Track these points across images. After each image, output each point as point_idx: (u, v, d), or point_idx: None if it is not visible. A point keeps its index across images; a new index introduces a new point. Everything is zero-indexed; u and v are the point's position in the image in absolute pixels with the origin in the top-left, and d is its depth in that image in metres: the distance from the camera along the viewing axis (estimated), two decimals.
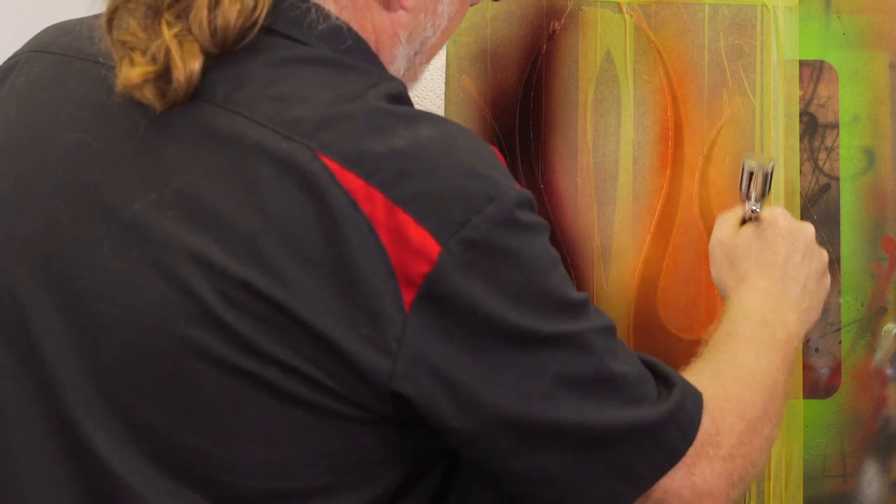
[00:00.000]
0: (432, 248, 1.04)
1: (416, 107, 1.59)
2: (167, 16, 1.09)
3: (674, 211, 1.59)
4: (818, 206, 1.58)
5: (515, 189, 1.08)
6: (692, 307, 1.59)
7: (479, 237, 1.05)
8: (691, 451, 1.14)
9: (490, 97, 1.61)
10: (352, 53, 1.13)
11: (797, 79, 1.58)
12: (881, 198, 1.58)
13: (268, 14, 1.10)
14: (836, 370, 1.57)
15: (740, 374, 1.25)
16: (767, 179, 1.44)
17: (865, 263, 1.58)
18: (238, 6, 1.09)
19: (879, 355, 1.58)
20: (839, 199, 1.58)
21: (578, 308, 1.11)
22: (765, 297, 1.38)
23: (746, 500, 1.57)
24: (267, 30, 1.11)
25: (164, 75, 1.08)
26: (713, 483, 1.16)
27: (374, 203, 1.04)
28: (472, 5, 1.27)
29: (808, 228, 1.44)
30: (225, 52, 1.09)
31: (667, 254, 1.59)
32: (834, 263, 1.58)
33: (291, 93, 1.09)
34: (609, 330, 1.13)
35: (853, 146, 1.58)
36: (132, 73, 1.08)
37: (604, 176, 1.61)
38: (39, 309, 1.11)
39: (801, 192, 1.58)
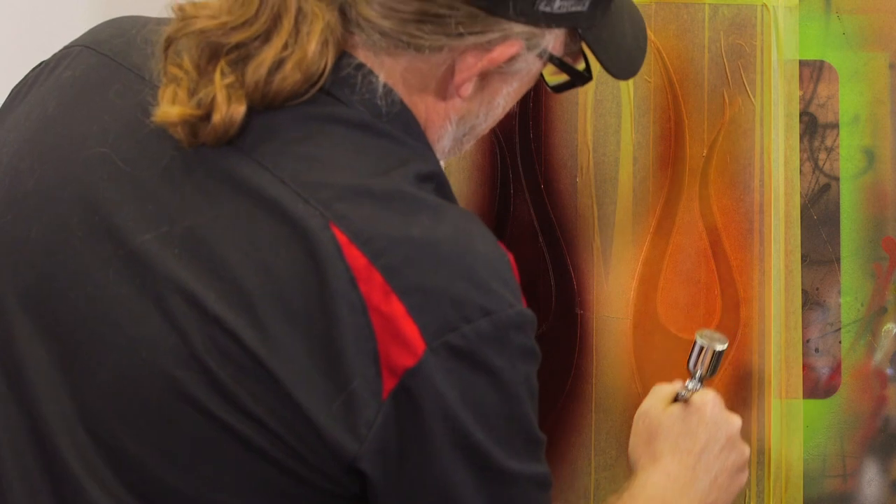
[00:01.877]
0: (418, 344, 1.04)
1: None
2: (223, 62, 1.07)
3: (674, 211, 1.59)
4: (818, 206, 1.58)
5: (518, 309, 1.07)
6: (692, 307, 1.59)
7: (465, 346, 1.05)
8: None
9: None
10: (392, 122, 1.11)
11: (797, 79, 1.58)
12: (881, 198, 1.58)
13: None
14: (836, 370, 1.57)
15: None
16: (716, 359, 1.44)
17: (865, 263, 1.58)
18: (300, 75, 1.07)
19: (879, 355, 1.58)
20: (839, 199, 1.58)
21: (537, 448, 1.11)
22: (671, 485, 1.39)
23: (746, 500, 1.57)
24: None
25: (203, 119, 1.07)
26: None
27: (372, 284, 1.04)
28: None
29: (735, 420, 1.43)
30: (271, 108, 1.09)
31: (667, 254, 1.59)
32: (834, 263, 1.58)
33: (318, 154, 1.08)
34: (546, 483, 1.13)
35: (853, 146, 1.58)
36: (172, 110, 1.07)
37: (604, 176, 1.61)
38: (26, 323, 1.11)
39: (801, 192, 1.58)
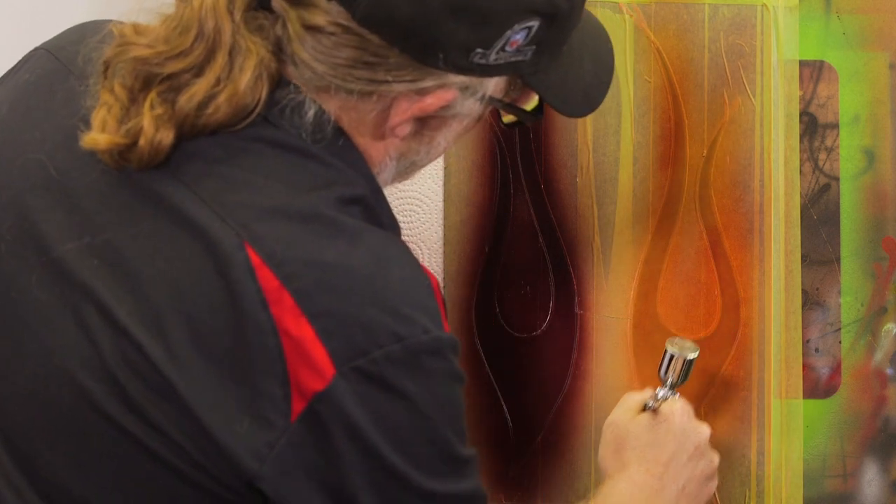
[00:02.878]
0: (327, 368, 1.04)
1: None
2: (154, 93, 1.08)
3: (674, 211, 1.59)
4: (818, 206, 1.58)
5: (434, 335, 1.07)
6: (692, 307, 1.59)
7: (375, 371, 1.05)
8: None
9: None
10: (323, 146, 1.11)
11: (797, 79, 1.58)
12: (881, 198, 1.58)
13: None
14: (836, 370, 1.57)
15: None
16: (686, 367, 1.45)
17: (865, 263, 1.58)
18: (231, 109, 1.08)
19: (879, 355, 1.58)
20: (839, 199, 1.58)
21: (460, 466, 1.11)
22: (637, 494, 1.39)
23: (746, 500, 1.57)
24: None
25: (130, 146, 1.08)
26: None
27: (283, 307, 1.04)
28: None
29: (703, 430, 1.44)
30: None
31: (667, 254, 1.59)
32: (834, 263, 1.58)
33: (240, 174, 1.09)
34: (477, 498, 1.13)
35: (853, 146, 1.58)
36: (100, 138, 1.08)
37: (604, 176, 1.61)
38: None
39: (801, 192, 1.58)
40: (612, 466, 1.42)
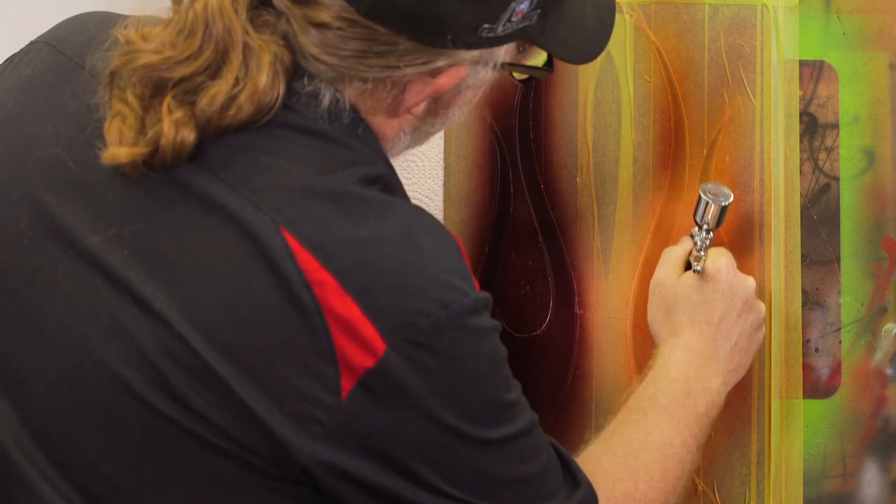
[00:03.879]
0: (378, 343, 1.05)
1: None
2: (170, 97, 1.08)
3: (674, 211, 1.59)
4: (818, 206, 1.58)
5: (472, 295, 1.09)
6: None
7: (425, 340, 1.06)
8: None
9: (490, 97, 1.61)
10: (341, 128, 1.12)
11: (797, 79, 1.58)
12: (881, 198, 1.58)
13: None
14: (836, 370, 1.57)
15: (651, 463, 1.32)
16: (720, 213, 1.47)
17: (865, 263, 1.58)
18: (253, 108, 1.09)
19: (879, 355, 1.58)
20: (839, 199, 1.58)
21: (510, 410, 1.14)
22: (693, 359, 1.41)
23: (746, 500, 1.57)
24: None
25: (153, 154, 1.08)
26: None
27: (326, 287, 1.05)
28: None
29: (749, 283, 1.46)
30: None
31: None
32: (834, 263, 1.58)
33: (266, 159, 1.09)
34: (529, 428, 1.16)
35: (853, 146, 1.58)
36: (120, 152, 1.09)
37: (604, 176, 1.61)
38: None
39: (801, 192, 1.58)
40: (664, 331, 1.45)
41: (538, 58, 1.22)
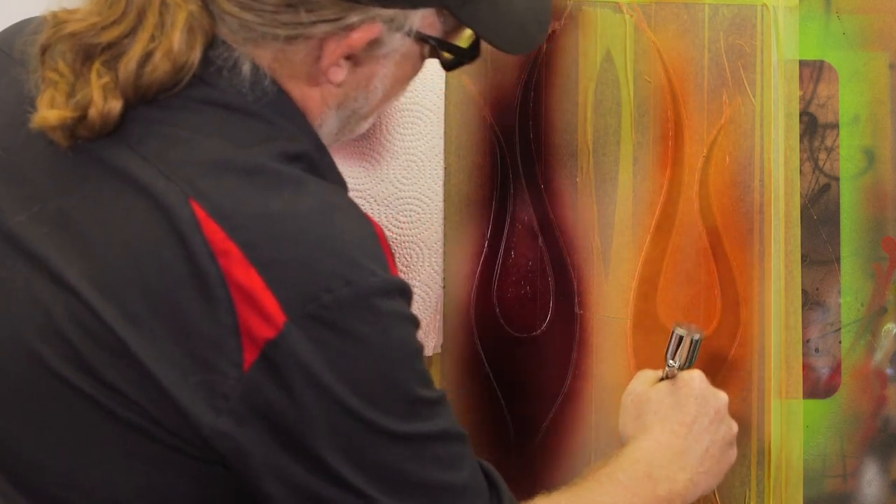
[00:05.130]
0: (279, 316, 1.05)
1: (415, 106, 1.59)
2: (98, 63, 1.10)
3: (674, 211, 1.59)
4: (818, 206, 1.58)
5: (381, 277, 1.08)
6: (692, 307, 1.59)
7: (326, 316, 1.05)
8: None
9: (490, 97, 1.61)
10: (263, 104, 1.13)
11: (797, 79, 1.58)
12: (881, 198, 1.58)
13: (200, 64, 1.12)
14: (836, 370, 1.57)
15: None
16: (694, 348, 1.45)
17: (865, 263, 1.58)
18: (169, 65, 1.10)
19: (879, 355, 1.58)
20: (839, 199, 1.58)
21: (424, 407, 1.11)
22: (661, 451, 1.38)
23: (746, 500, 1.57)
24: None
25: (80, 119, 1.09)
26: None
27: (231, 258, 1.05)
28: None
29: (722, 396, 1.43)
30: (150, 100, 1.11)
31: (667, 254, 1.59)
32: (834, 263, 1.58)
33: (183, 133, 1.10)
34: (450, 436, 1.14)
35: (853, 146, 1.58)
36: (50, 114, 1.10)
37: (604, 176, 1.61)
38: None
39: (801, 192, 1.58)
40: (634, 431, 1.42)
41: (462, 41, 1.22)
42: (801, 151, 1.58)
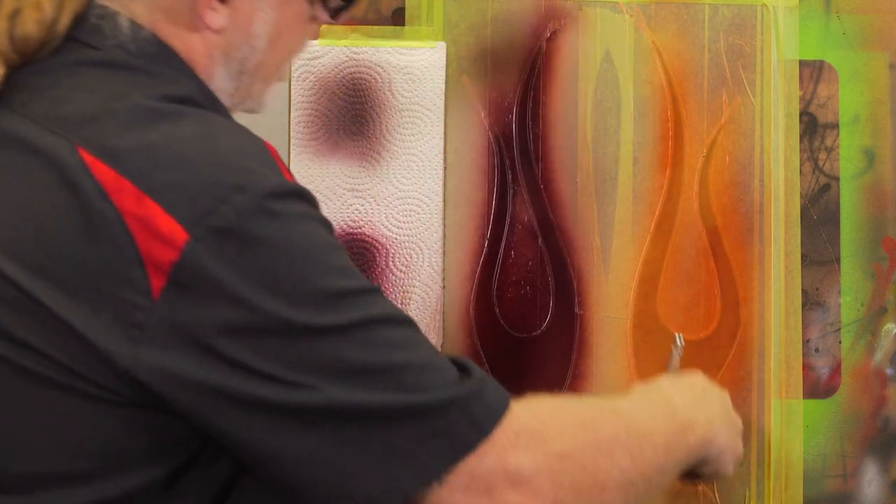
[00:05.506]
0: (179, 236, 1.06)
1: (415, 106, 1.58)
2: None
3: (674, 211, 1.59)
4: (818, 206, 1.58)
5: (275, 179, 1.08)
6: (692, 307, 1.59)
7: (226, 226, 1.06)
8: (503, 439, 1.11)
9: (490, 97, 1.61)
10: (146, 59, 1.15)
11: (797, 79, 1.58)
12: (881, 198, 1.58)
13: (72, 24, 1.13)
14: (836, 370, 1.57)
15: (601, 406, 1.23)
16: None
17: (865, 263, 1.58)
18: (36, 16, 1.12)
19: (879, 355, 1.58)
20: (839, 199, 1.58)
21: (350, 297, 1.09)
22: (678, 392, 1.33)
23: (746, 499, 1.57)
24: (70, 37, 1.14)
25: None
26: (532, 473, 1.12)
27: (123, 193, 1.07)
28: (305, 37, 1.26)
29: (725, 394, 1.40)
30: (28, 62, 1.13)
31: (667, 254, 1.59)
32: (834, 263, 1.58)
33: (66, 92, 1.12)
34: (392, 320, 1.11)
35: (853, 146, 1.58)
36: None
37: (604, 176, 1.61)
38: None
39: (801, 192, 1.58)
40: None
41: None
42: (801, 151, 1.58)
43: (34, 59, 1.13)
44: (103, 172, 1.07)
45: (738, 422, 1.40)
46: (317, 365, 1.08)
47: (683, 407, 1.30)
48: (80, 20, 1.14)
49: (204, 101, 1.17)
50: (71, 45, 1.14)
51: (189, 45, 1.18)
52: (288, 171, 1.12)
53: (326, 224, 1.12)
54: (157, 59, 1.16)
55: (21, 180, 1.10)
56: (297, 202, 1.09)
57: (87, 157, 1.08)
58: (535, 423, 1.14)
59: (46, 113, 1.11)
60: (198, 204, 1.06)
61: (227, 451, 1.12)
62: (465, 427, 1.11)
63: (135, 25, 1.15)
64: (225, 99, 1.21)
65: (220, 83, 1.21)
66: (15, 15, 1.12)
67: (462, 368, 1.14)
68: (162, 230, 1.06)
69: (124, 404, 1.08)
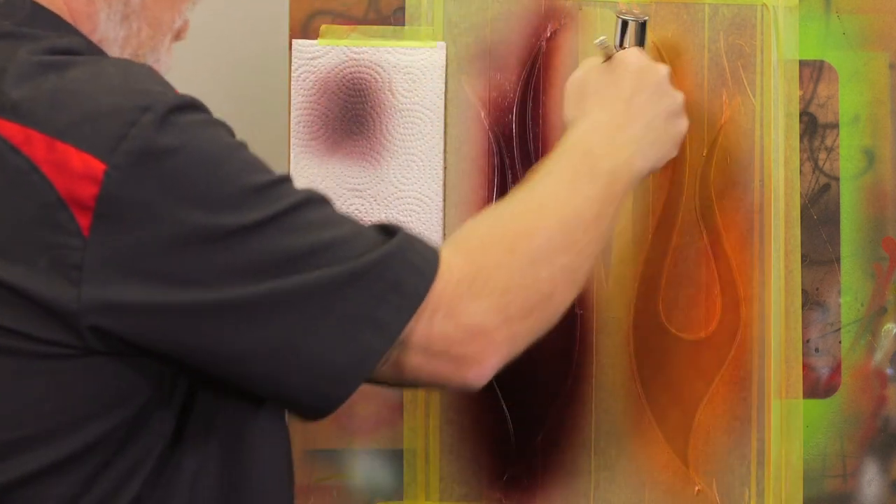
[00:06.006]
0: (97, 168, 1.07)
1: (415, 106, 1.58)
2: None
3: (674, 211, 1.59)
4: (818, 206, 1.58)
5: (172, 95, 1.11)
6: (692, 307, 1.59)
7: (140, 147, 1.08)
8: (448, 291, 1.15)
9: (490, 97, 1.61)
10: (29, 24, 1.16)
11: (797, 79, 1.58)
12: (881, 198, 1.58)
13: None
14: (835, 370, 1.57)
15: (525, 209, 1.25)
16: (643, 30, 1.47)
17: (865, 263, 1.58)
18: None
19: (879, 355, 1.58)
20: (839, 199, 1.58)
21: (268, 190, 1.12)
22: (597, 130, 1.36)
23: (747, 499, 1.57)
24: None
25: None
26: (483, 318, 1.16)
27: (32, 143, 1.08)
28: None
29: (661, 69, 1.43)
30: None
31: (667, 254, 1.59)
32: (834, 263, 1.58)
33: None
34: (310, 202, 1.14)
35: (853, 146, 1.58)
36: None
37: None
38: None
39: (801, 192, 1.58)
40: (575, 116, 1.41)
41: None
42: (801, 151, 1.58)
43: None
44: (7, 128, 1.09)
45: (676, 103, 1.42)
46: (256, 260, 1.09)
47: (603, 155, 1.32)
48: None
49: (88, 51, 1.17)
50: None
51: (69, 2, 1.19)
52: (172, 86, 1.14)
53: (226, 126, 1.14)
54: (36, 20, 1.17)
55: None
56: (197, 112, 1.12)
57: None
58: (467, 267, 1.16)
59: None
60: (108, 133, 1.08)
61: (191, 375, 1.13)
62: (410, 276, 1.13)
63: None
64: (115, 51, 1.22)
65: (105, 31, 1.22)
66: None
67: (385, 229, 1.16)
68: (79, 168, 1.07)
69: (75, 356, 1.09)
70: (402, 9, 1.61)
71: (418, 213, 1.59)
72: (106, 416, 1.11)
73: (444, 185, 1.61)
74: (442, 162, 1.60)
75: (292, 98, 1.59)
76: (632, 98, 1.39)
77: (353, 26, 1.60)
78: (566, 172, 1.30)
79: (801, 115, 1.58)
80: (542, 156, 1.61)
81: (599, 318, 1.60)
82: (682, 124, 1.44)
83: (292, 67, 1.58)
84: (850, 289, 1.57)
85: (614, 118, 1.38)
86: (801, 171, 1.58)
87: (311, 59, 1.59)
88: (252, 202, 1.11)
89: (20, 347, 1.09)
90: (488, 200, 1.62)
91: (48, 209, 1.07)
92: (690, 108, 1.53)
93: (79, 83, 1.11)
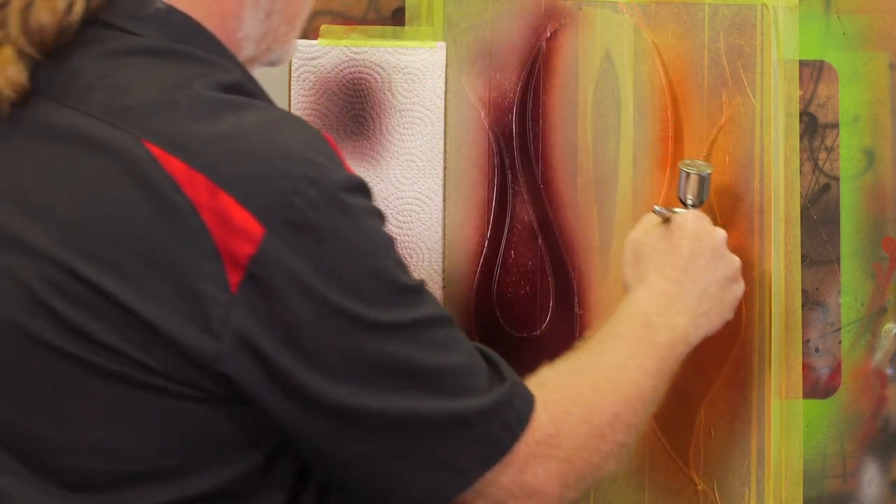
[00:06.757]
0: (256, 229, 1.06)
1: (415, 106, 1.59)
2: None
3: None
4: (818, 206, 1.58)
5: (343, 173, 1.10)
6: None
7: (301, 219, 1.07)
8: (525, 450, 1.16)
9: (490, 97, 1.61)
10: (187, 41, 1.15)
11: (797, 79, 1.58)
12: (881, 198, 1.58)
13: (100, 7, 1.13)
14: (836, 370, 1.57)
15: (599, 378, 1.27)
16: (703, 184, 1.47)
17: (865, 263, 1.58)
18: (49, 6, 1.11)
19: (879, 355, 1.58)
20: (839, 199, 1.58)
21: (410, 295, 1.12)
22: (656, 298, 1.39)
23: (747, 499, 1.57)
24: (103, 23, 1.13)
25: None
26: (546, 482, 1.17)
27: (196, 186, 1.06)
28: None
29: (719, 233, 1.44)
30: (51, 51, 1.12)
31: None
32: (834, 263, 1.58)
33: (120, 83, 1.11)
34: (440, 320, 1.14)
35: (853, 146, 1.58)
36: None
37: (604, 176, 1.61)
38: None
39: (801, 192, 1.58)
40: (632, 280, 1.43)
41: None
42: (801, 151, 1.58)
43: (57, 49, 1.12)
44: (173, 165, 1.07)
45: (733, 269, 1.44)
46: (378, 361, 1.10)
47: (661, 325, 1.35)
48: (107, 3, 1.13)
49: (250, 86, 1.16)
50: (108, 32, 1.14)
51: (214, 17, 1.17)
52: (342, 156, 1.13)
53: (383, 217, 1.13)
54: (194, 41, 1.15)
55: (87, 177, 1.09)
56: (362, 196, 1.11)
57: (155, 151, 1.07)
58: (549, 428, 1.18)
59: (103, 106, 1.10)
60: (273, 197, 1.06)
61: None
62: (500, 432, 1.15)
63: (170, 9, 1.15)
64: (252, 48, 1.21)
65: (249, 28, 1.20)
66: (27, 7, 1.11)
67: (490, 362, 1.18)
68: (239, 224, 1.06)
69: (208, 399, 1.09)
70: (402, 9, 1.61)
71: (418, 213, 1.59)
72: (231, 462, 1.12)
73: (444, 185, 1.61)
74: (442, 162, 1.60)
75: (292, 98, 1.59)
76: (688, 265, 1.41)
77: (352, 26, 1.60)
78: (630, 346, 1.33)
79: (801, 115, 1.58)
80: (542, 156, 1.62)
81: (599, 318, 1.60)
82: (738, 289, 1.46)
83: (292, 67, 1.58)
84: (850, 289, 1.57)
85: (669, 286, 1.40)
86: (801, 171, 1.58)
87: (311, 59, 1.59)
88: (394, 302, 1.11)
89: (152, 382, 1.08)
90: (488, 200, 1.62)
91: (201, 256, 1.06)
92: (691, 108, 1.53)
93: (254, 136, 1.09)
